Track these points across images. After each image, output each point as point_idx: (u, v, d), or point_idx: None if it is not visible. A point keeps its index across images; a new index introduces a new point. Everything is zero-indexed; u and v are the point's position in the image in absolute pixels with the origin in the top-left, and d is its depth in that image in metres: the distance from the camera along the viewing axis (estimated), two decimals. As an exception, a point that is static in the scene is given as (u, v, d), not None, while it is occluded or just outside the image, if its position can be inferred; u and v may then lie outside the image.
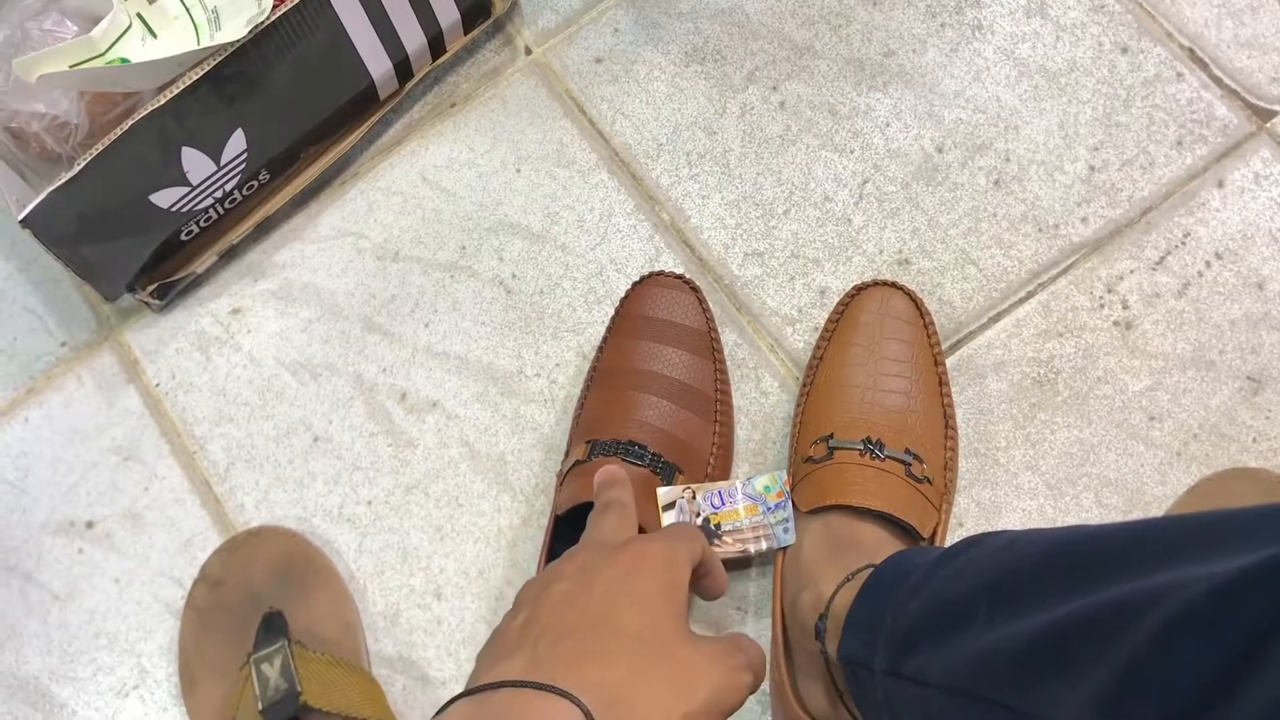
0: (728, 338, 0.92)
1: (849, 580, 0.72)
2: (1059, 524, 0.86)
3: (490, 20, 1.00)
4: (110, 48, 0.87)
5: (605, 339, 0.88)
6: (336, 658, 0.83)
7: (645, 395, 0.84)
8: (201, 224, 0.92)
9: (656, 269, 0.89)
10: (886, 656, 0.62)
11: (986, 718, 0.52)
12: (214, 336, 0.96)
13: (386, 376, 0.94)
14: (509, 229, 0.97)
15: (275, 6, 0.84)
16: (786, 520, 0.79)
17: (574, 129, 0.99)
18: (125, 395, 0.95)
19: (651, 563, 0.53)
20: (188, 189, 0.87)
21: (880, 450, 0.79)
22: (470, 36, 0.99)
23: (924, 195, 0.95)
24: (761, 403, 0.91)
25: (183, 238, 0.92)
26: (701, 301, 0.87)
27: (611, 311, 0.89)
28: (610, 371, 0.86)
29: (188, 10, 0.89)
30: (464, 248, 0.97)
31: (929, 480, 0.80)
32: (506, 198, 0.98)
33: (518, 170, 0.98)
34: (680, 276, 0.87)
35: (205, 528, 0.91)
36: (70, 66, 0.84)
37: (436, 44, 0.97)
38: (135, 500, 0.92)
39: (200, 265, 0.95)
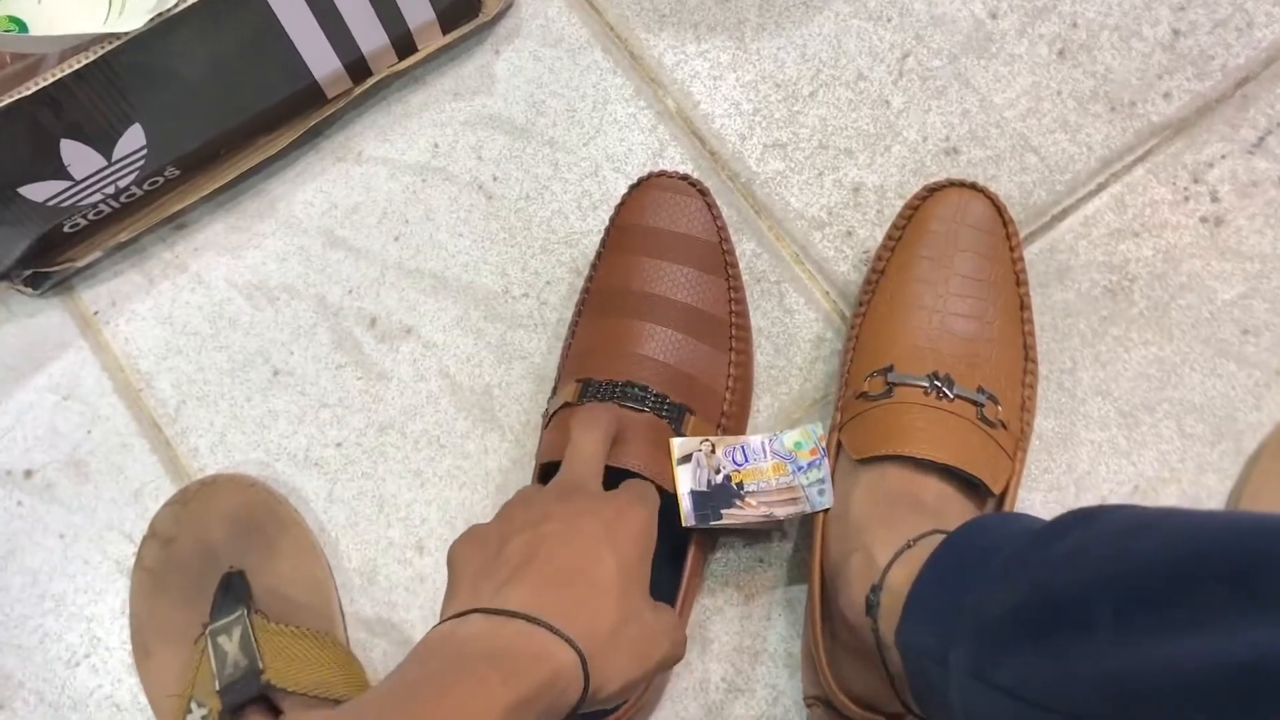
0: (745, 247, 0.79)
1: (910, 547, 0.61)
2: (1133, 457, 0.74)
3: (476, 22, 0.83)
4: (-5, 4, 0.73)
5: (599, 254, 0.75)
6: (303, 629, 0.73)
7: (646, 323, 0.71)
8: (90, 217, 0.79)
9: (658, 168, 0.75)
10: (970, 654, 0.51)
11: None
12: (156, 255, 0.84)
13: (353, 299, 0.81)
14: (487, 122, 0.83)
15: None
16: (822, 482, 0.67)
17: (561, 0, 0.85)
18: (61, 325, 0.83)
19: (632, 526, 0.57)
20: (69, 184, 0.74)
21: (948, 388, 0.67)
22: (450, 38, 0.83)
23: (975, 70, 0.81)
24: (785, 323, 0.78)
25: (66, 230, 0.79)
26: (711, 206, 0.74)
27: (608, 219, 0.76)
28: (605, 294, 0.73)
29: None
30: (436, 145, 0.83)
31: (1003, 425, 0.68)
32: (483, 84, 0.84)
33: (496, 51, 0.84)
34: (684, 177, 0.74)
35: (156, 475, 0.81)
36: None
37: (404, 44, 0.81)
38: (77, 445, 0.81)
39: (83, 259, 0.82)
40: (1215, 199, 0.77)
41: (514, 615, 0.51)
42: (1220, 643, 0.38)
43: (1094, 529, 0.49)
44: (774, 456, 0.68)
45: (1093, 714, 0.43)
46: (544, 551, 0.54)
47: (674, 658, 0.58)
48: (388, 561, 0.78)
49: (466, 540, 0.58)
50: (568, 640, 0.50)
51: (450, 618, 0.52)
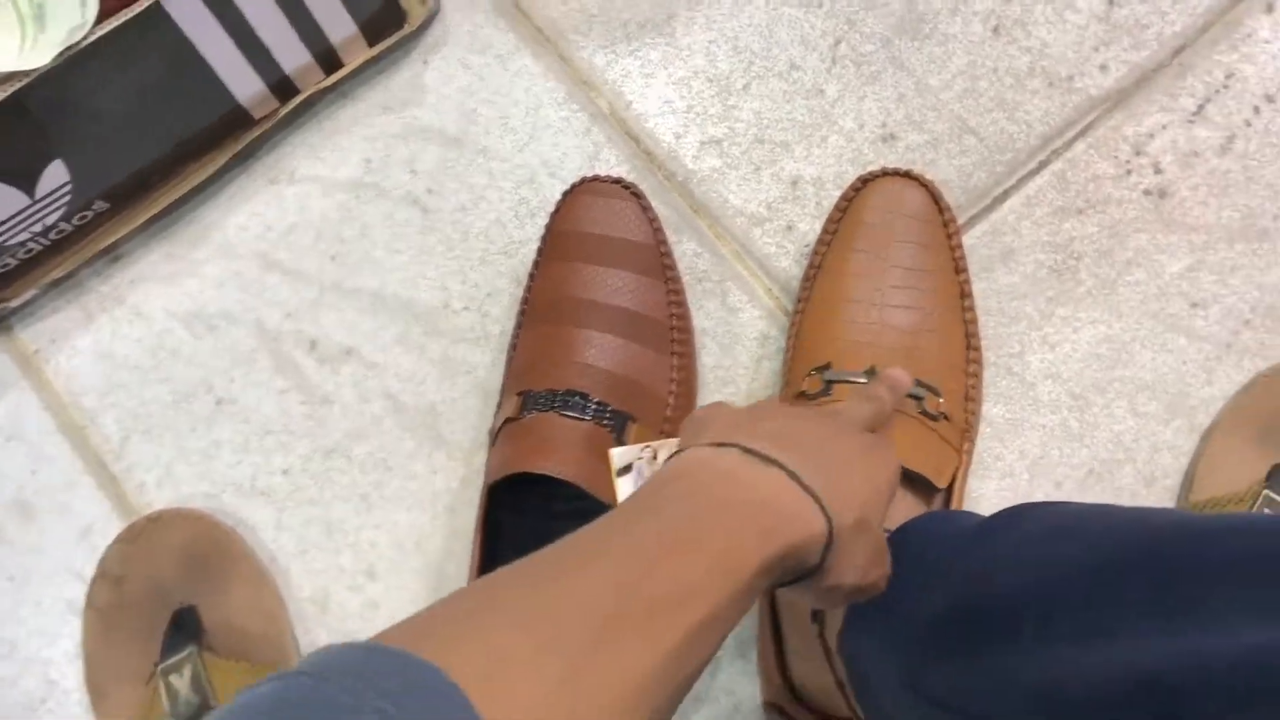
0: (685, 247, 0.78)
1: None
2: (1087, 440, 0.73)
3: (402, 33, 0.81)
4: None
5: (536, 263, 0.74)
6: (255, 664, 0.72)
7: (584, 331, 0.70)
8: (21, 256, 0.78)
9: (591, 173, 0.74)
10: (901, 663, 0.50)
11: None
12: (93, 289, 0.82)
13: (292, 322, 0.80)
14: (419, 134, 0.82)
15: (105, 19, 0.68)
16: None
17: (487, 5, 0.83)
18: (0, 365, 0.82)
19: (882, 458, 0.52)
20: None
21: None
22: (377, 50, 0.80)
23: (909, 53, 0.79)
24: (729, 321, 0.77)
25: None
26: (646, 209, 0.73)
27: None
28: (543, 303, 0.72)
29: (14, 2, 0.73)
30: (368, 160, 0.82)
31: (946, 416, 0.66)
32: (413, 96, 0.82)
33: (424, 61, 0.83)
34: (618, 180, 0.73)
35: (104, 513, 0.79)
36: None
37: (328, 59, 0.79)
38: (22, 486, 0.80)
39: (18, 298, 0.80)
40: (1158, 171, 0.76)
41: (776, 464, 0.46)
42: (1129, 652, 0.37)
43: (1020, 532, 0.48)
44: None
45: None
46: (800, 438, 0.50)
47: (880, 588, 0.52)
48: (339, 589, 0.76)
49: (704, 410, 0.54)
50: (823, 508, 0.46)
51: (708, 444, 0.48)
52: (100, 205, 0.78)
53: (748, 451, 0.47)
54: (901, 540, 0.56)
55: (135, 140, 0.76)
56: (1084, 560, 0.43)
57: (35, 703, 0.77)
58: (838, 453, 0.50)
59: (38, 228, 0.76)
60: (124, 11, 0.69)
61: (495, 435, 0.70)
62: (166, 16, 0.70)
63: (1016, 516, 0.49)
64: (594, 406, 0.67)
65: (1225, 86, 0.77)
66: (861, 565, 0.49)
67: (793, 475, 0.46)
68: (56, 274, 0.80)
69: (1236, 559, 0.37)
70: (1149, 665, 0.36)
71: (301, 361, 0.80)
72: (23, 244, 0.76)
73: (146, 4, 0.69)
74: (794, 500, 0.46)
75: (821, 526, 0.46)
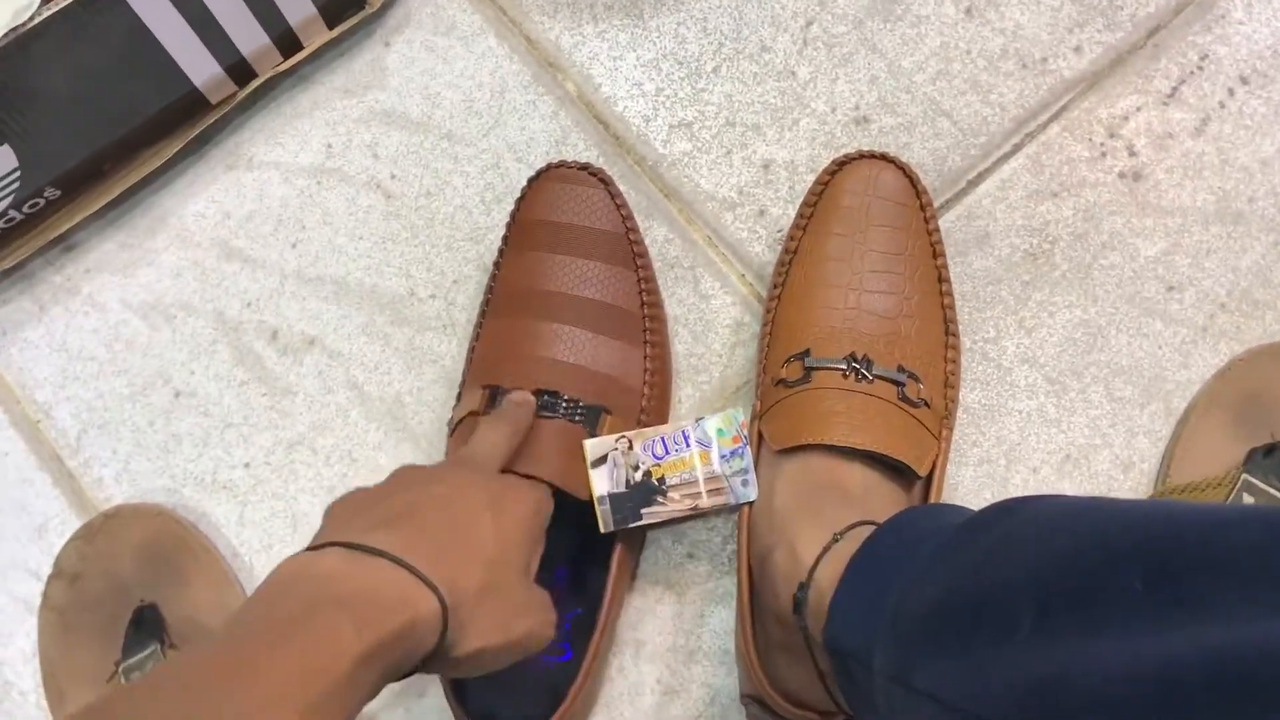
0: (656, 233, 0.76)
1: (836, 541, 0.58)
2: (1063, 425, 0.72)
3: (363, 14, 0.78)
4: None
5: (501, 252, 0.72)
6: (218, 661, 0.70)
7: (553, 324, 0.68)
8: None
9: (557, 159, 0.72)
10: (891, 656, 0.49)
11: None
12: (45, 279, 0.80)
13: (252, 312, 0.78)
14: (382, 118, 0.80)
15: None
16: (745, 471, 0.65)
17: (450, -14, 0.81)
18: (-50, 358, 0.80)
19: (519, 505, 0.57)
20: None
21: (868, 369, 0.65)
22: (337, 32, 0.78)
23: (881, 34, 0.78)
24: (702, 309, 0.76)
25: None
26: (614, 196, 0.71)
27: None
28: (508, 295, 0.71)
29: None
30: (329, 146, 0.80)
31: (926, 403, 0.66)
32: (375, 79, 0.80)
33: (386, 44, 0.81)
34: (585, 166, 0.71)
35: (60, 509, 0.77)
36: None
37: (287, 42, 0.77)
38: (-25, 483, 0.78)
39: None
40: (1132, 153, 0.75)
41: (376, 553, 0.48)
42: (1136, 646, 0.36)
43: (1014, 523, 0.47)
44: (698, 445, 0.66)
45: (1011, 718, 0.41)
46: (422, 509, 0.52)
47: (541, 637, 0.56)
48: (306, 583, 0.75)
49: (346, 496, 0.56)
50: (431, 586, 0.48)
51: (307, 549, 0.49)
52: (51, 192, 0.76)
53: (348, 547, 0.48)
54: (891, 533, 0.55)
55: (86, 125, 0.74)
56: (1081, 554, 0.42)
57: (-9, 705, 0.75)
58: (461, 514, 0.53)
59: (-14, 215, 0.74)
60: (73, -9, 0.67)
61: (454, 427, 0.68)
62: (119, -1, 0.68)
63: (1008, 510, 0.48)
64: (565, 404, 0.66)
65: (1199, 68, 0.76)
66: (502, 623, 0.52)
67: (396, 560, 0.47)
68: (7, 264, 0.78)
69: (1237, 552, 0.36)
70: (1151, 658, 0.35)
71: (263, 352, 0.77)
72: (-30, 232, 0.74)
73: (96, -16, 0.67)
74: (397, 585, 0.47)
75: (431, 604, 0.47)
